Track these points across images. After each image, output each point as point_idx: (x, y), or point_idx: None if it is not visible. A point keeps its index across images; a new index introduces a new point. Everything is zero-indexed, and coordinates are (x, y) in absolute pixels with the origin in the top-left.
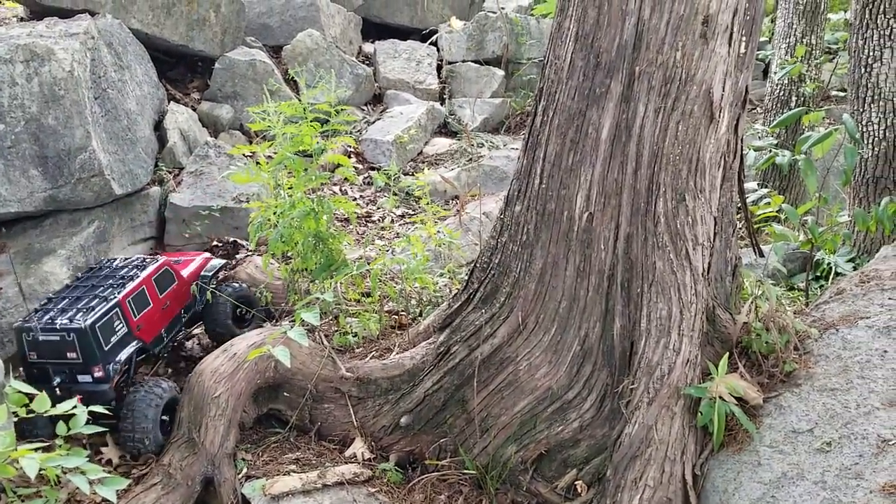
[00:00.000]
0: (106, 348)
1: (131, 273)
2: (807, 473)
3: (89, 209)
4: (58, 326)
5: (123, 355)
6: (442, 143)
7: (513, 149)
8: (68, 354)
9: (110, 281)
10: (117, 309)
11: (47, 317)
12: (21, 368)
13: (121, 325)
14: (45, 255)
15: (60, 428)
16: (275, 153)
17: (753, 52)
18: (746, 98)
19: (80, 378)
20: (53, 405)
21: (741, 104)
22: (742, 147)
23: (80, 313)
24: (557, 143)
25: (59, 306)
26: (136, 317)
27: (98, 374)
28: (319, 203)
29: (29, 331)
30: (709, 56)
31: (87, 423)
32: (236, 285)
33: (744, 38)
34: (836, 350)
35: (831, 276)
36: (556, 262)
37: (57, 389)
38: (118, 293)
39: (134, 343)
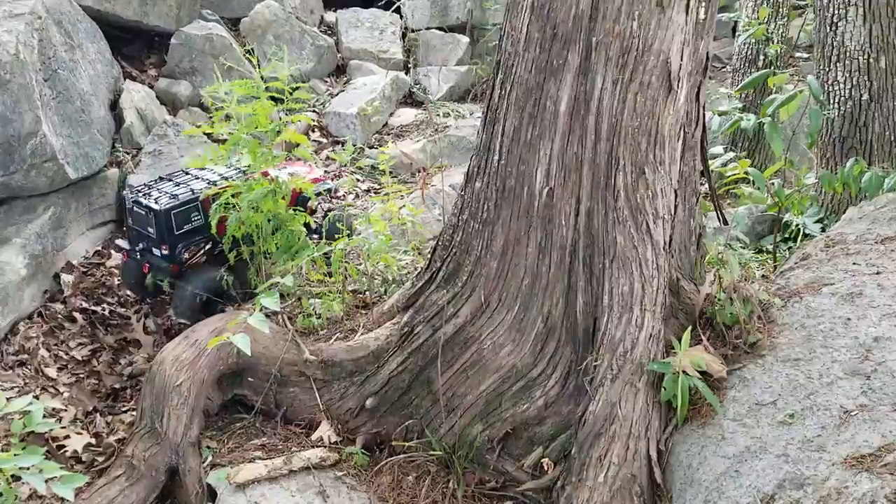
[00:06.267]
0: (177, 233)
1: (229, 174)
2: (770, 447)
3: (44, 195)
4: (143, 203)
5: (192, 243)
6: (407, 114)
7: (479, 118)
8: (148, 228)
9: (210, 177)
10: (198, 203)
11: (145, 192)
12: (124, 228)
13: (198, 216)
14: None
15: (16, 425)
16: (231, 133)
17: (713, 18)
18: (707, 65)
19: (154, 250)
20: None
21: (702, 72)
22: (704, 115)
23: (166, 197)
24: (516, 118)
25: (162, 186)
26: None
27: (164, 251)
28: (277, 183)
29: (128, 200)
30: (665, 25)
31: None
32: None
33: (702, 4)
34: (800, 319)
35: (800, 238)
36: (518, 238)
37: (138, 253)
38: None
39: (208, 234)
